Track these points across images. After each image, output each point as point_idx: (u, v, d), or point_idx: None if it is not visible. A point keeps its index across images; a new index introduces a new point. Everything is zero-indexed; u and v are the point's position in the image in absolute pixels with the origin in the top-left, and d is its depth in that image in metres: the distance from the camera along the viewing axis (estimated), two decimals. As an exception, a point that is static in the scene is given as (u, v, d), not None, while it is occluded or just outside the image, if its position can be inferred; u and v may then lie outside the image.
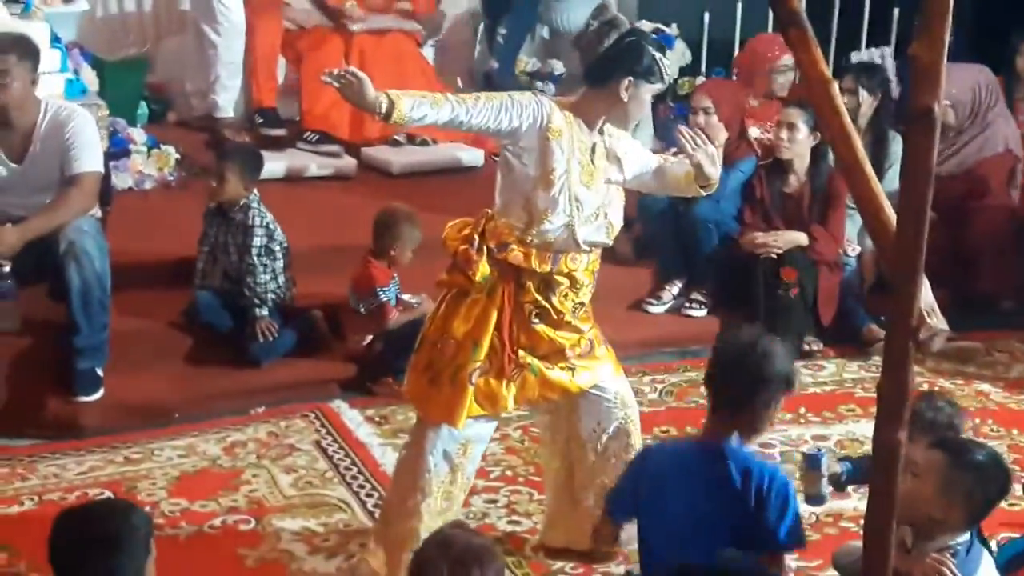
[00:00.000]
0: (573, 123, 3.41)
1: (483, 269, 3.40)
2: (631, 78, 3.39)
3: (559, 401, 3.62)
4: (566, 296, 3.49)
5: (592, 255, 3.52)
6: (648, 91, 3.45)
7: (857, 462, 3.40)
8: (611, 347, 3.73)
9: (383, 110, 3.22)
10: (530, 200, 3.39)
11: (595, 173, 3.44)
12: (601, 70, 3.43)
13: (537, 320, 3.47)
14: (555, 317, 3.49)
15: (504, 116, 3.33)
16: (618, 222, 3.54)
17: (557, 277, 3.46)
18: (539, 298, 3.45)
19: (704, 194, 3.70)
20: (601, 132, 3.48)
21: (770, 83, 6.03)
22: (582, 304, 3.55)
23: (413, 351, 4.71)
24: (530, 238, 3.40)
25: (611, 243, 3.57)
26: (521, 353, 3.48)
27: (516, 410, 3.56)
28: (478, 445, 3.60)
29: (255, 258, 4.90)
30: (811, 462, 3.24)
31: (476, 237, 3.42)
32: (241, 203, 4.95)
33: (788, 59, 5.98)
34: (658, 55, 3.42)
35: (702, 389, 4.96)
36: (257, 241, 4.91)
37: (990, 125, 5.86)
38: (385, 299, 4.94)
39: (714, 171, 3.55)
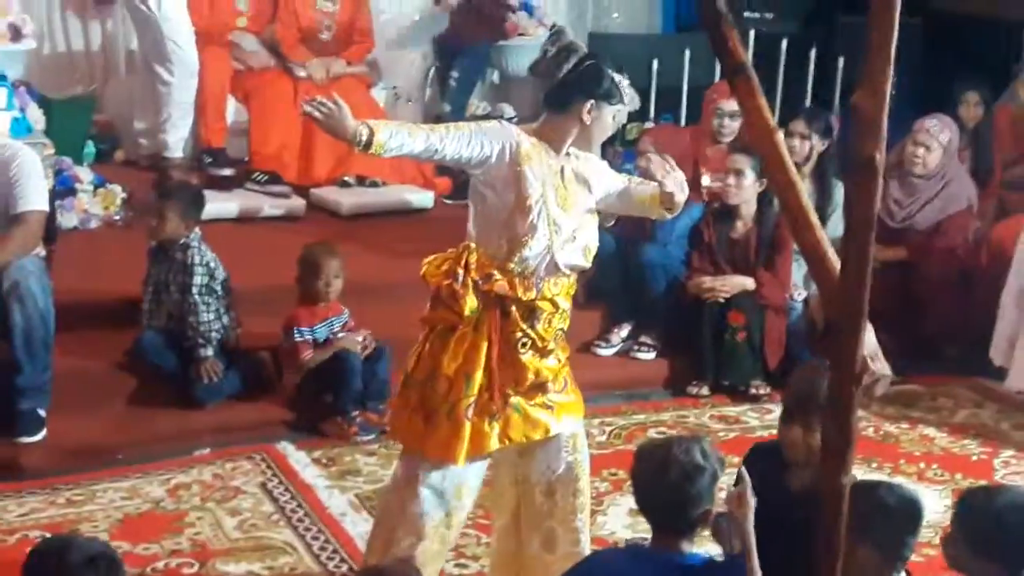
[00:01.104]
0: (540, 148, 3.42)
1: (471, 302, 3.36)
2: (592, 101, 3.40)
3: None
4: (550, 323, 3.47)
5: (571, 278, 3.52)
6: (610, 113, 3.45)
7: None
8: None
9: (363, 139, 3.19)
10: (508, 228, 3.37)
11: (568, 196, 3.44)
12: (562, 95, 3.45)
13: (523, 349, 3.45)
14: (540, 345, 3.47)
15: (476, 144, 3.33)
16: (594, 244, 3.53)
17: (540, 303, 3.44)
18: (524, 326, 3.44)
19: (668, 217, 3.72)
20: (567, 155, 3.49)
21: (715, 127, 6.09)
22: (562, 330, 3.55)
23: (342, 389, 4.69)
24: (512, 266, 3.38)
25: (589, 265, 3.55)
26: (507, 392, 3.46)
27: (500, 450, 3.51)
28: (472, 485, 3.55)
29: (196, 297, 4.87)
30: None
31: (460, 271, 3.39)
32: (181, 242, 4.93)
33: (733, 104, 6.06)
34: (617, 76, 3.44)
35: (650, 432, 5.06)
36: (198, 280, 4.89)
37: (954, 180, 5.96)
38: (298, 338, 4.94)
39: (682, 197, 3.57)
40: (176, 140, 6.52)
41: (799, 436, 3.19)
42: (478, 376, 3.40)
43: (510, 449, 3.57)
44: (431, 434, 3.43)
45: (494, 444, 3.46)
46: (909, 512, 2.92)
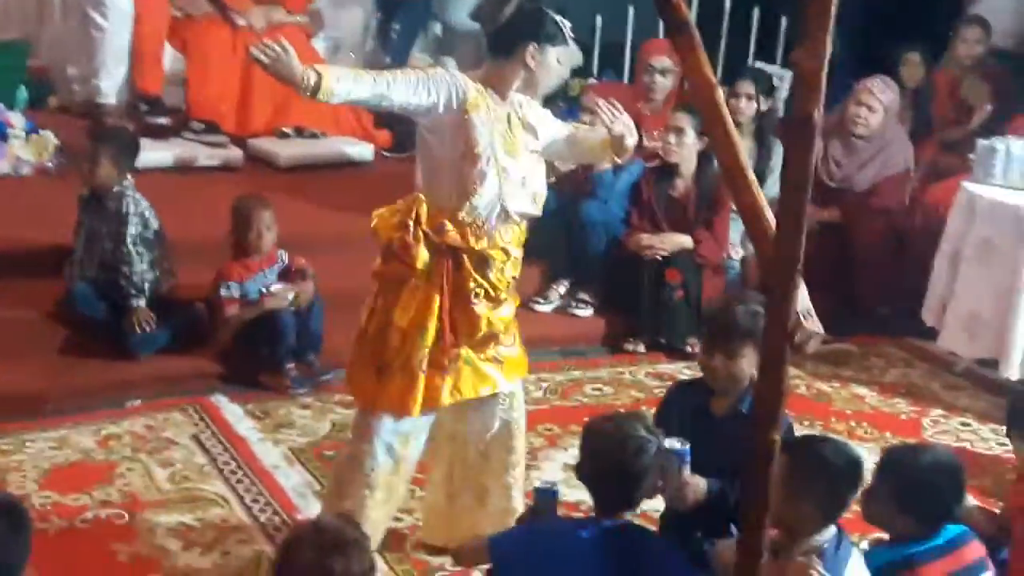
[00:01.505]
0: (486, 95, 3.39)
1: (422, 254, 3.35)
2: (535, 43, 3.38)
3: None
4: (502, 271, 3.47)
5: (522, 226, 3.51)
6: (554, 55, 3.42)
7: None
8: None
9: (311, 84, 3.15)
10: (457, 177, 3.35)
11: (515, 143, 3.42)
12: (504, 39, 3.42)
13: (476, 300, 3.43)
14: (494, 294, 3.46)
15: (422, 91, 3.29)
16: (543, 191, 3.52)
17: (492, 252, 3.43)
18: (477, 276, 3.42)
19: (619, 161, 3.73)
20: (511, 102, 3.46)
21: (646, 83, 6.09)
22: (515, 278, 3.55)
23: (275, 344, 4.64)
24: (462, 216, 3.36)
25: (539, 212, 3.54)
26: (460, 344, 3.45)
27: (451, 403, 3.51)
28: (419, 436, 3.55)
29: (130, 247, 4.80)
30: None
31: (411, 222, 3.36)
32: (115, 190, 4.85)
33: (665, 61, 6.07)
34: (559, 18, 3.42)
35: (586, 388, 5.08)
36: (132, 230, 4.82)
37: (893, 142, 6.01)
38: (223, 293, 4.89)
39: (632, 141, 3.58)
40: (110, 86, 6.39)
41: (721, 364, 3.29)
42: (431, 328, 3.39)
43: (453, 403, 3.57)
44: (384, 387, 3.43)
45: (446, 398, 3.47)
46: (853, 473, 2.97)
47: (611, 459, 2.94)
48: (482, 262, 3.43)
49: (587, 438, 3.03)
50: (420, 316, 3.40)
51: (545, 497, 3.16)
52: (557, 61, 3.45)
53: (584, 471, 3.02)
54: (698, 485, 3.15)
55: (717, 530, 3.12)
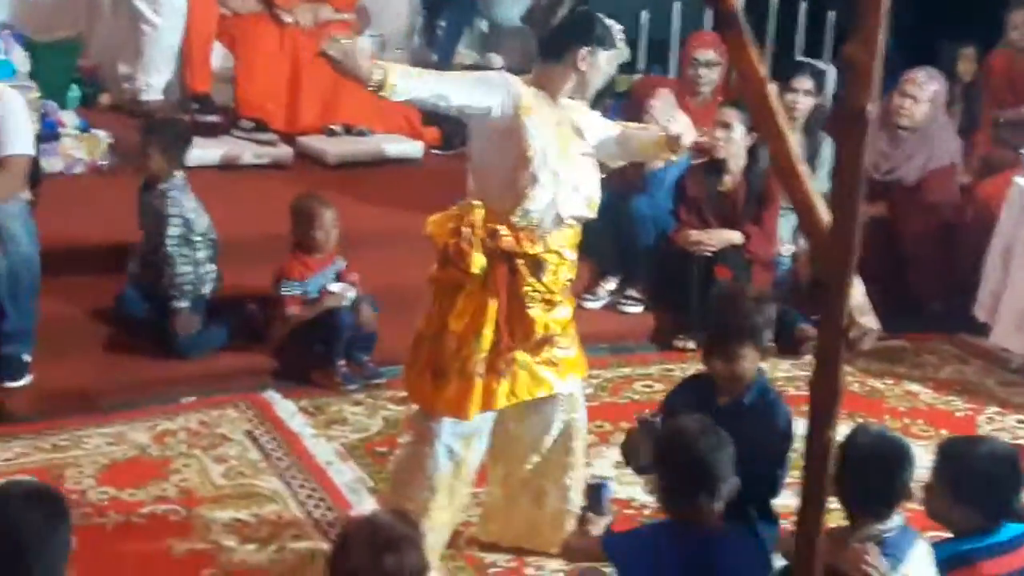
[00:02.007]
0: (539, 98, 3.39)
1: (478, 260, 3.35)
2: (587, 47, 3.38)
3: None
4: (556, 274, 3.47)
5: (576, 229, 3.51)
6: (604, 58, 3.44)
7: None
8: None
9: (376, 80, 3.15)
10: (511, 181, 3.35)
11: (568, 146, 3.43)
12: (556, 43, 3.43)
13: (531, 304, 3.44)
14: (548, 297, 3.47)
15: (479, 93, 3.30)
16: (597, 194, 3.52)
17: (546, 256, 3.44)
18: (531, 280, 3.43)
19: (673, 159, 3.74)
20: (562, 106, 3.47)
21: (691, 76, 6.06)
22: (570, 280, 3.55)
23: (331, 342, 4.66)
24: (516, 220, 3.37)
25: (594, 215, 3.54)
26: (515, 348, 3.46)
27: (507, 406, 3.53)
28: (480, 438, 3.56)
29: (170, 249, 4.81)
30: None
31: (466, 228, 3.37)
32: (160, 187, 4.87)
33: (710, 53, 6.03)
34: (609, 21, 3.43)
35: (636, 385, 5.07)
36: (173, 231, 4.82)
37: (939, 134, 5.95)
38: (285, 292, 4.90)
39: (689, 139, 3.59)
40: (159, 84, 6.46)
41: (721, 366, 3.35)
42: (487, 333, 3.40)
43: (512, 405, 3.58)
44: (441, 392, 3.44)
45: (502, 401, 3.48)
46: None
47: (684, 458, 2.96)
48: (537, 266, 3.43)
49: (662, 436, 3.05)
50: (476, 321, 3.40)
51: (597, 493, 3.16)
52: (607, 64, 3.46)
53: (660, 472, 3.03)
54: None
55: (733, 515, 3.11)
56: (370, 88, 3.17)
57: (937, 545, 3.13)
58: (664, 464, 3.02)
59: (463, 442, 3.51)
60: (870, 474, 2.92)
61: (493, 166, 3.39)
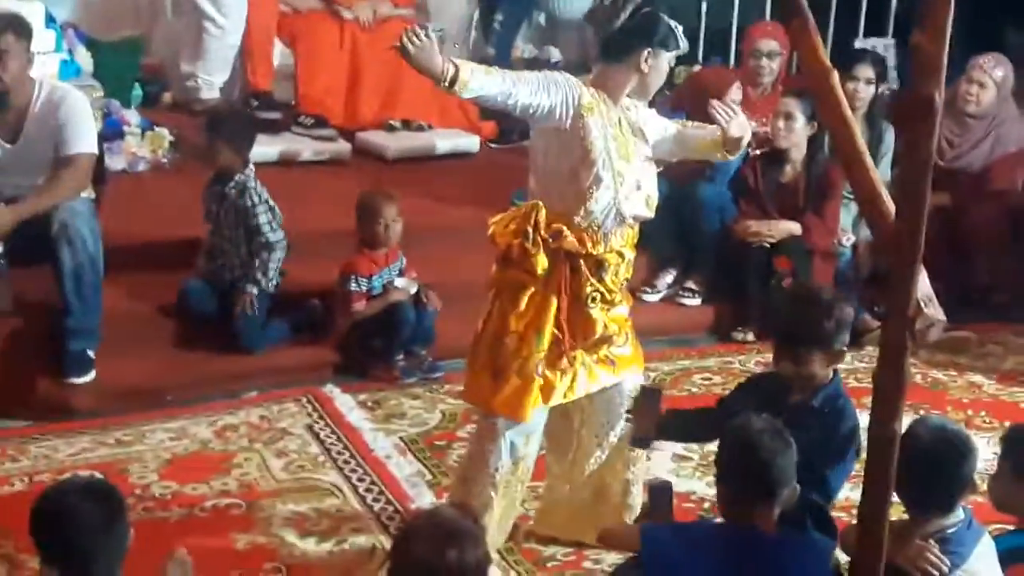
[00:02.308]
0: (600, 99, 3.39)
1: (542, 261, 3.36)
2: (650, 48, 3.37)
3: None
4: (616, 273, 3.48)
5: (635, 228, 3.52)
6: (666, 60, 3.44)
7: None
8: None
9: (449, 76, 3.15)
10: (573, 181, 3.35)
11: (628, 146, 3.42)
12: (620, 44, 3.41)
13: (592, 304, 3.45)
14: (609, 297, 3.48)
15: (543, 92, 3.29)
16: (655, 193, 3.52)
17: (607, 256, 3.44)
18: (594, 280, 3.44)
19: (731, 158, 3.72)
20: (622, 106, 3.46)
21: (752, 67, 5.99)
22: (627, 279, 3.57)
23: (392, 337, 4.66)
24: (579, 220, 3.37)
25: (653, 215, 3.54)
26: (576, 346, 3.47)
27: (563, 403, 3.54)
28: (537, 435, 3.58)
29: (269, 235, 4.88)
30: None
31: (529, 229, 3.37)
32: (238, 180, 4.92)
33: (771, 43, 5.96)
34: (672, 23, 3.41)
35: (695, 378, 5.05)
36: (263, 219, 4.87)
37: (1005, 121, 5.87)
38: (353, 288, 4.92)
39: (747, 139, 3.59)
40: (219, 82, 6.51)
41: (791, 369, 3.29)
42: (547, 331, 3.41)
43: (576, 400, 3.58)
44: (499, 390, 3.45)
45: (559, 398, 3.49)
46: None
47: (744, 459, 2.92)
48: (598, 266, 3.44)
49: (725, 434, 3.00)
50: (537, 320, 3.41)
51: (660, 493, 3.15)
52: (669, 65, 3.46)
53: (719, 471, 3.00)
54: None
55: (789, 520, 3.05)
56: (443, 85, 3.16)
57: (998, 538, 3.09)
58: (726, 465, 2.96)
59: (524, 438, 3.52)
60: (931, 468, 2.86)
61: (556, 166, 3.38)
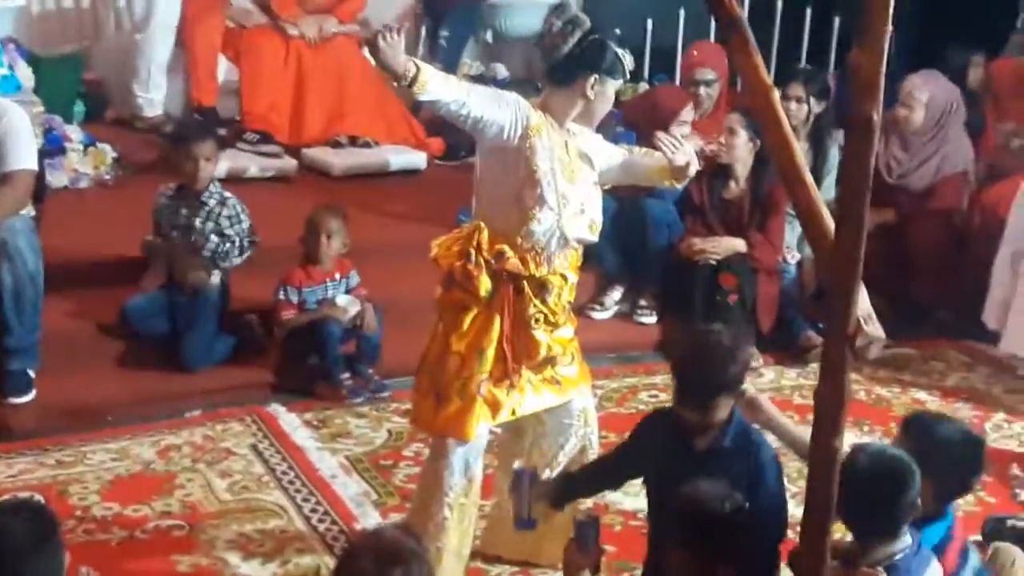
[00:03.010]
0: (547, 121, 3.40)
1: (485, 283, 3.35)
2: (596, 76, 3.38)
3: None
4: (559, 296, 3.48)
5: (579, 251, 3.52)
6: (612, 87, 3.45)
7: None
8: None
9: (411, 76, 3.14)
10: (517, 201, 3.35)
11: (574, 170, 3.43)
12: (566, 69, 3.41)
13: (536, 325, 3.45)
14: (552, 319, 3.48)
15: (494, 108, 3.29)
16: (599, 218, 3.53)
17: (551, 278, 3.45)
18: (537, 302, 3.44)
19: (677, 187, 3.73)
20: (568, 130, 3.47)
21: (694, 93, 6.06)
22: (570, 302, 3.56)
23: (323, 354, 4.62)
24: (521, 241, 3.37)
25: (596, 239, 3.54)
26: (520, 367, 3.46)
27: (508, 422, 3.53)
28: (481, 454, 3.57)
29: (253, 238, 4.99)
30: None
31: (472, 251, 3.37)
32: (213, 191, 4.97)
33: (707, 72, 6.04)
34: (620, 51, 3.42)
35: (641, 395, 5.05)
36: (246, 224, 4.97)
37: (950, 141, 5.92)
38: (280, 297, 4.91)
39: (694, 169, 3.59)
40: (159, 98, 6.50)
41: (697, 417, 3.12)
42: (490, 352, 3.40)
43: (522, 419, 3.57)
44: (442, 411, 3.43)
45: (506, 415, 3.48)
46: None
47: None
48: (541, 287, 3.44)
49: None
50: (478, 341, 3.40)
51: (586, 528, 3.11)
52: (615, 92, 3.48)
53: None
54: None
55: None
56: (403, 83, 3.15)
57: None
58: (688, 535, 2.87)
59: (474, 455, 3.51)
60: (873, 496, 2.83)
61: (500, 186, 3.38)
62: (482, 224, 3.38)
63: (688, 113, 5.76)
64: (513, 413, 3.49)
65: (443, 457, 3.48)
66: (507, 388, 3.45)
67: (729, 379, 3.10)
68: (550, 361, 3.52)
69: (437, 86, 3.20)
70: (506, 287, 3.39)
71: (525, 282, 3.41)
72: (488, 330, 3.39)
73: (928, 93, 5.84)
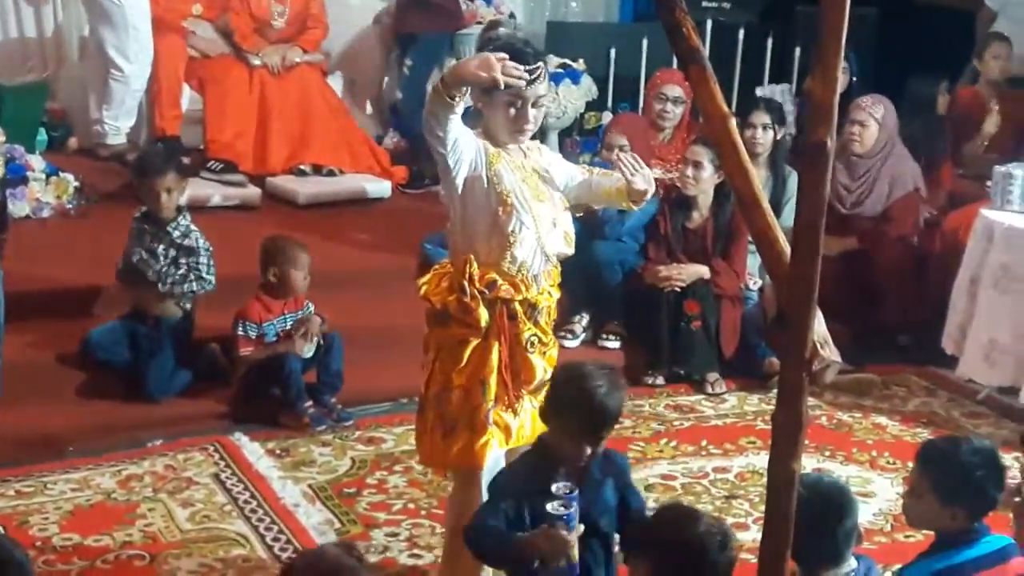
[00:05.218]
0: (496, 148, 3.39)
1: (483, 314, 3.35)
2: (479, 89, 3.32)
3: None
4: (548, 315, 3.50)
5: (557, 267, 3.53)
6: (500, 98, 3.33)
7: None
8: None
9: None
10: (495, 229, 3.36)
11: (539, 186, 3.43)
12: (473, 91, 3.39)
13: (531, 349, 3.45)
14: (545, 340, 3.49)
15: (467, 135, 3.31)
16: (571, 229, 3.53)
17: (539, 297, 3.45)
18: (530, 324, 3.44)
19: (635, 208, 3.72)
20: (521, 151, 3.46)
21: (656, 111, 6.09)
22: (554, 320, 3.57)
23: (285, 387, 4.59)
24: (507, 266, 3.38)
25: (572, 251, 3.54)
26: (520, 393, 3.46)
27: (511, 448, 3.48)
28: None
29: (207, 277, 4.93)
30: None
31: (466, 284, 3.35)
32: (183, 222, 4.94)
33: (676, 89, 6.07)
34: (511, 64, 3.24)
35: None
36: (205, 259, 4.93)
37: (896, 158, 5.97)
38: (239, 332, 4.88)
39: (651, 191, 3.58)
40: (125, 127, 6.48)
41: (588, 452, 3.05)
42: (492, 380, 3.39)
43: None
44: (453, 445, 3.41)
45: (517, 439, 3.47)
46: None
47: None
48: (533, 309, 3.45)
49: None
50: (480, 371, 3.39)
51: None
52: (513, 107, 3.33)
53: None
54: None
55: None
56: (450, 97, 3.18)
57: (917, 562, 3.09)
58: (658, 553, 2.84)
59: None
60: (812, 525, 2.76)
61: (476, 221, 3.38)
62: (471, 257, 3.37)
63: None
64: (520, 437, 3.49)
65: (472, 487, 3.43)
66: (513, 413, 3.45)
67: (619, 412, 3.11)
68: (544, 384, 3.50)
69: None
70: (500, 315, 3.40)
71: (518, 305, 3.41)
72: (487, 360, 3.39)
73: (882, 109, 5.90)
